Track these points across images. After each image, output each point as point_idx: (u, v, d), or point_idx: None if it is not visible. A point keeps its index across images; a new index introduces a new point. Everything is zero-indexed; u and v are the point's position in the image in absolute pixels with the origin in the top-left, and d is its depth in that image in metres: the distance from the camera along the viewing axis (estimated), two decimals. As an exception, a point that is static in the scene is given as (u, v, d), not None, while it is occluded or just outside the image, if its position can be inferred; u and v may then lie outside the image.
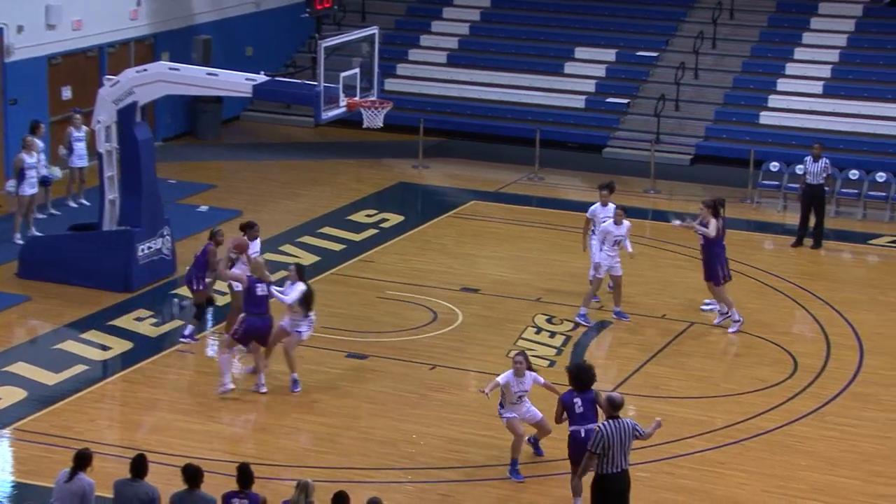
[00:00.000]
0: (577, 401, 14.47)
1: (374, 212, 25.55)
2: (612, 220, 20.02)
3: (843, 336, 19.92)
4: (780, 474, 15.65)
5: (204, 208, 25.33)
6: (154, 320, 20.01)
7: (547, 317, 20.33)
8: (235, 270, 18.14)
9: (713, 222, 19.63)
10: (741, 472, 15.43)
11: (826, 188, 24.39)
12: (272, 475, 15.08)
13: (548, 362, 18.74)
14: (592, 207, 20.72)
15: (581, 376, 14.65)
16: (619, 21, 32.83)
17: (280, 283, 18.38)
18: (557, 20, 33.17)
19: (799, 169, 25.29)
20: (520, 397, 15.45)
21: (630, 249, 20.33)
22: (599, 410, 14.26)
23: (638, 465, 15.42)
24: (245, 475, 12.32)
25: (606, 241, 19.97)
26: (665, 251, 23.74)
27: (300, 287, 17.43)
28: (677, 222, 21.55)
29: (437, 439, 16.39)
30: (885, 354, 19.28)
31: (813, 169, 24.02)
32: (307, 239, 23.75)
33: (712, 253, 19.85)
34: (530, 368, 15.52)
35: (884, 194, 26.31)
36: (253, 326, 17.33)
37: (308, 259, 22.65)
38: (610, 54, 31.92)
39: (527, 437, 15.76)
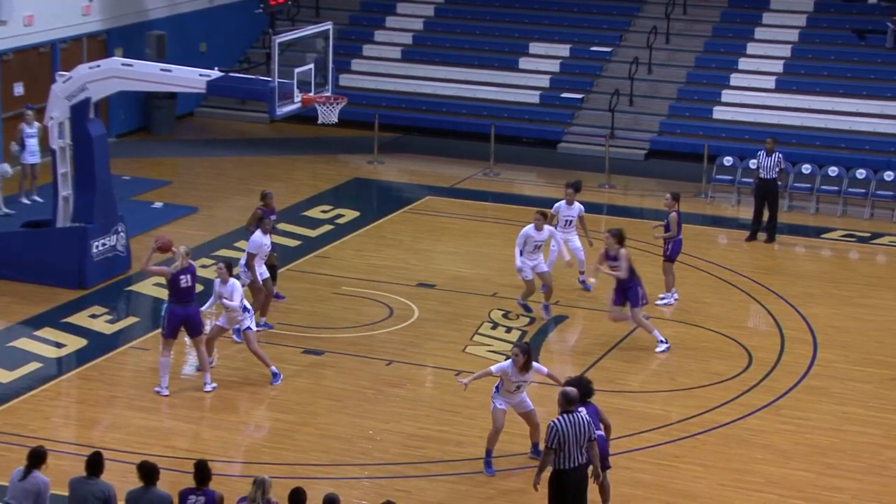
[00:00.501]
0: (582, 410, 14.13)
1: (330, 207, 25.50)
2: (533, 225, 19.84)
3: (797, 330, 20.07)
4: (735, 468, 15.75)
5: (158, 205, 25.20)
6: (109, 317, 19.90)
7: (503, 312, 20.37)
8: (159, 266, 17.93)
9: (623, 252, 19.05)
10: (697, 466, 15.52)
11: (779, 182, 24.56)
12: (229, 472, 15.04)
13: (504, 357, 18.75)
14: (557, 204, 21.08)
15: (579, 388, 14.24)
16: (573, 16, 32.92)
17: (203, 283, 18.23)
18: (511, 15, 33.22)
19: (752, 163, 25.46)
20: (518, 387, 15.39)
21: (567, 258, 20.70)
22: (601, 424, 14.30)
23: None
24: (202, 472, 12.27)
25: (527, 245, 19.79)
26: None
27: (237, 285, 17.33)
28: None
29: (394, 435, 16.39)
30: (839, 348, 19.44)
31: (766, 163, 24.18)
32: (263, 235, 23.64)
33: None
34: (528, 362, 15.17)
35: (836, 188, 26.52)
36: (175, 315, 17.15)
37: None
38: (564, 50, 32.00)
39: (529, 453, 15.68)
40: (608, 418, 14.62)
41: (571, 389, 13.63)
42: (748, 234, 24.29)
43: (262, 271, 19.00)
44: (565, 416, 13.39)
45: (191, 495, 12.24)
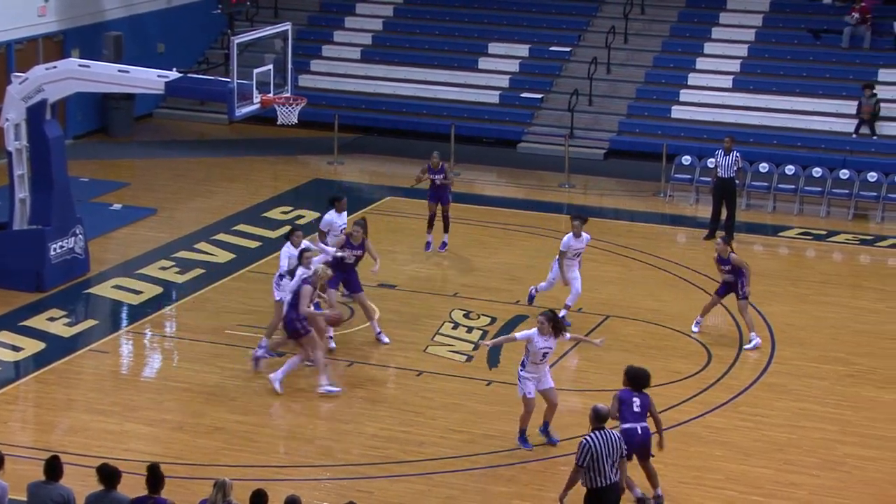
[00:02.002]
0: (636, 400, 14.48)
1: (290, 208, 25.47)
2: (572, 233, 19.55)
3: (755, 327, 20.18)
4: (695, 465, 15.85)
5: (117, 206, 25.10)
6: (67, 320, 19.80)
7: (464, 312, 20.40)
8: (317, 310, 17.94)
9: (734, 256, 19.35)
10: (657, 464, 15.55)
11: (737, 181, 24.72)
12: (190, 474, 14.99)
13: (465, 357, 18.83)
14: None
15: (639, 378, 14.64)
16: (532, 17, 33.01)
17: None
18: (471, 16, 33.28)
19: (710, 162, 25.60)
20: (544, 354, 15.72)
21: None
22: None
23: (556, 458, 15.58)
24: (154, 476, 12.17)
25: (567, 254, 19.52)
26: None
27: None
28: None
29: (355, 436, 16.39)
30: (797, 345, 19.59)
31: (724, 162, 24.33)
32: (222, 236, 23.61)
33: None
34: (555, 329, 15.65)
35: (793, 187, 26.72)
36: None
37: (223, 256, 22.54)
38: (523, 50, 32.08)
39: (539, 427, 15.80)
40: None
41: (602, 407, 13.45)
42: (706, 233, 24.43)
43: (332, 249, 19.42)
44: (597, 433, 13.21)
45: None
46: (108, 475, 12.15)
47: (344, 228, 19.81)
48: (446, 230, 22.96)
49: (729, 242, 19.81)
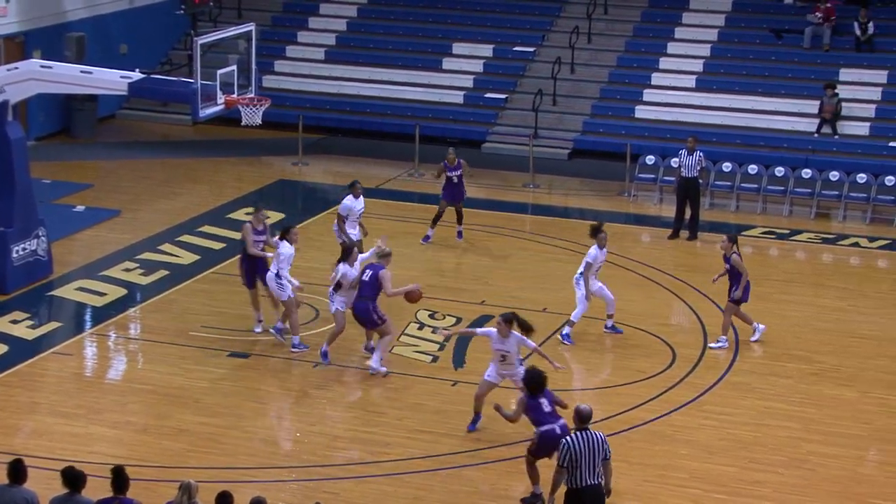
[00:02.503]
0: (543, 400, 14.53)
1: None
2: (597, 245, 19.36)
3: (719, 326, 20.26)
4: (659, 464, 15.91)
5: (80, 208, 24.98)
6: (30, 322, 19.69)
7: (430, 312, 20.41)
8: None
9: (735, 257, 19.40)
10: (622, 463, 15.62)
11: (700, 181, 24.84)
12: (155, 477, 14.93)
13: (430, 357, 18.84)
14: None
15: (535, 383, 14.61)
16: (495, 17, 33.06)
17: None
18: (434, 16, 33.30)
19: (674, 162, 25.72)
20: (502, 357, 16.10)
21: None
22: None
23: (520, 459, 15.57)
24: (119, 478, 12.13)
25: (592, 267, 19.32)
26: (545, 245, 23.97)
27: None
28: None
29: (321, 437, 16.38)
30: (760, 343, 19.68)
31: (688, 162, 24.44)
32: (187, 238, 23.54)
33: None
34: (525, 330, 16.11)
35: (756, 186, 26.86)
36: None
37: (188, 258, 22.47)
38: (487, 50, 32.12)
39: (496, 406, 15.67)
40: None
41: (585, 407, 13.37)
42: (671, 232, 24.53)
43: (355, 233, 20.55)
44: (579, 434, 13.18)
45: None
46: (73, 478, 12.10)
47: (362, 212, 20.91)
48: (460, 222, 23.63)
49: (735, 241, 19.56)
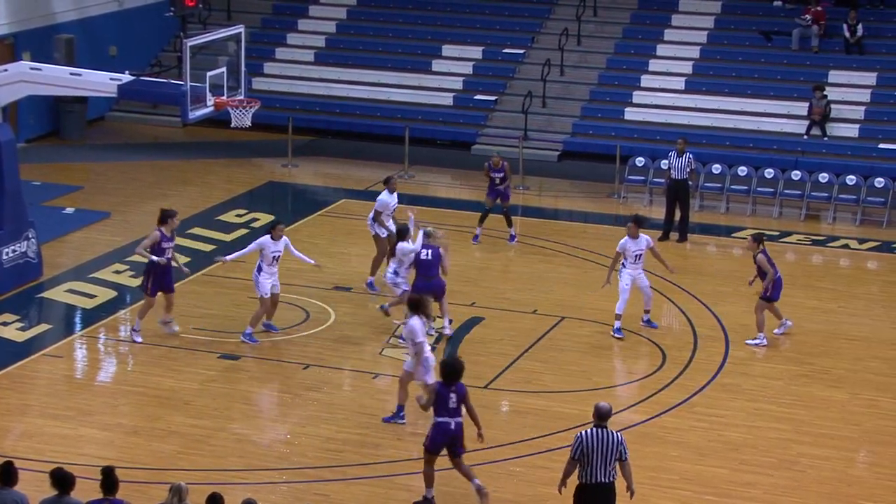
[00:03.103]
0: (452, 396, 14.48)
1: (245, 211, 25.38)
2: (628, 235, 19.73)
3: (709, 328, 20.34)
4: (650, 465, 15.90)
5: (70, 210, 24.94)
6: (20, 324, 19.65)
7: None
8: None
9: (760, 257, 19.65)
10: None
11: (690, 182, 24.88)
12: (145, 479, 14.91)
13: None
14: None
15: (452, 370, 14.56)
16: (485, 18, 33.08)
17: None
18: (424, 18, 33.30)
19: (663, 164, 25.75)
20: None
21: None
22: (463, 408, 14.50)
23: (513, 460, 15.61)
24: (108, 479, 12.11)
25: (626, 256, 19.68)
26: (535, 246, 23.99)
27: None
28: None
29: (311, 439, 16.37)
30: (753, 350, 19.68)
31: (677, 164, 24.47)
32: (177, 240, 23.39)
33: None
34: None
35: (745, 188, 26.90)
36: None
37: (179, 260, 22.39)
38: (477, 52, 32.14)
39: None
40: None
41: (604, 405, 13.23)
42: (661, 234, 24.54)
43: (390, 225, 20.96)
44: (594, 429, 13.05)
45: None
46: (62, 480, 12.07)
47: (396, 207, 21.27)
48: (510, 224, 23.90)
49: (759, 241, 19.65)
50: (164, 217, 19.09)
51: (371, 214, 21.32)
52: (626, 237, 19.74)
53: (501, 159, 23.98)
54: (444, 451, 14.62)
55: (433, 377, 15.85)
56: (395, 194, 21.49)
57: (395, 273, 19.59)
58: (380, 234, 21.24)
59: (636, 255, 19.77)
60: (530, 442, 16.23)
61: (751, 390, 18.16)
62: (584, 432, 13.11)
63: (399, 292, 19.50)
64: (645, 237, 19.91)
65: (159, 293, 18.96)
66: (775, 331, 19.87)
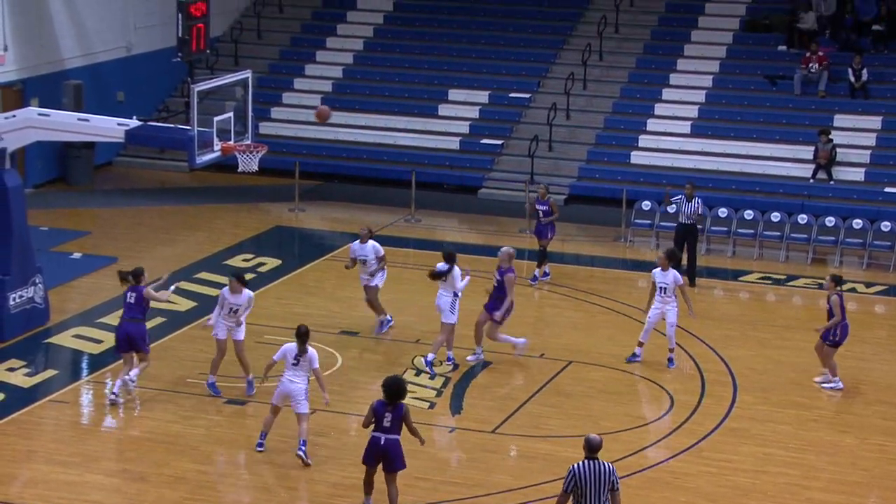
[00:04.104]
0: (388, 415, 15.03)
1: (252, 256, 25.41)
2: (659, 267, 20.23)
3: (717, 372, 20.29)
4: (659, 510, 15.85)
5: (77, 255, 24.98)
6: (27, 370, 19.63)
7: (426, 358, 20.35)
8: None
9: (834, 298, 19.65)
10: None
11: (699, 227, 24.88)
12: (152, 526, 14.86)
13: (428, 404, 18.78)
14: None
15: (394, 389, 15.07)
16: (491, 63, 33.21)
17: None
18: (430, 62, 33.45)
19: (671, 209, 25.76)
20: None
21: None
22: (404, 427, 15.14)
23: (520, 506, 15.54)
24: None
25: (654, 287, 20.22)
26: (541, 290, 23.97)
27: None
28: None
29: (319, 485, 16.31)
30: (758, 389, 19.66)
31: (686, 209, 24.44)
32: (184, 284, 23.45)
33: None
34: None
35: (752, 231, 26.90)
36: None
37: (185, 305, 22.44)
38: (483, 96, 32.26)
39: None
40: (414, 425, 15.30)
41: (595, 437, 13.27)
42: None
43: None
44: (586, 462, 13.09)
45: None
46: None
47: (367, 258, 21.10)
48: (540, 264, 24.07)
49: (837, 282, 19.64)
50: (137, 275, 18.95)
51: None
52: (658, 268, 20.16)
53: (548, 191, 24.01)
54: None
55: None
56: (366, 246, 21.13)
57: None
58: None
59: (661, 288, 20.11)
60: (539, 487, 16.15)
61: (759, 435, 18.08)
62: (576, 465, 13.08)
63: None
64: (674, 273, 20.15)
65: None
66: (816, 378, 19.74)
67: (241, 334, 18.68)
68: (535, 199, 24.15)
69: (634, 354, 20.36)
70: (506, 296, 19.88)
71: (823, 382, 19.74)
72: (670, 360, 20.33)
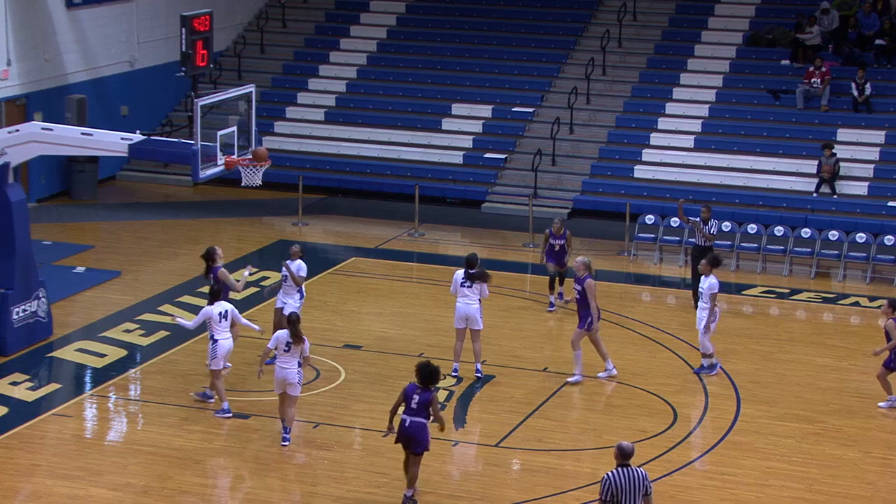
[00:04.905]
0: (416, 397, 15.63)
1: (255, 270, 25.40)
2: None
3: (720, 386, 20.27)
4: (663, 524, 15.83)
5: (81, 269, 25.00)
6: (30, 384, 19.64)
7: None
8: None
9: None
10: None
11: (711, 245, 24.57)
12: (155, 540, 14.85)
13: (431, 417, 18.74)
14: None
15: (426, 373, 15.77)
16: (494, 77, 33.25)
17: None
18: (434, 77, 33.50)
19: (675, 222, 25.68)
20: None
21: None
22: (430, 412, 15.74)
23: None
24: None
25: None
26: (544, 304, 23.95)
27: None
28: None
29: (322, 498, 16.30)
30: (761, 403, 19.65)
31: (703, 230, 24.04)
32: (187, 298, 23.54)
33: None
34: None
35: (755, 245, 26.89)
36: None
37: (188, 319, 22.40)
38: (486, 110, 32.30)
39: None
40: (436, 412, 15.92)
41: (628, 444, 13.32)
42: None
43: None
44: (620, 469, 13.15)
45: None
46: None
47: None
48: (561, 284, 23.80)
49: (894, 307, 19.55)
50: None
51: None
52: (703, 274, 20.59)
53: (563, 225, 23.82)
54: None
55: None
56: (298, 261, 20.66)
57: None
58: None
59: (700, 294, 20.54)
60: (542, 501, 16.14)
61: (762, 449, 18.06)
62: (610, 473, 13.10)
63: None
64: (712, 280, 20.32)
65: None
66: (880, 404, 19.66)
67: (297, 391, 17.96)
68: (550, 233, 23.69)
69: (703, 366, 20.67)
70: (588, 304, 19.82)
71: (885, 404, 19.67)
72: (703, 367, 20.60)
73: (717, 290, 20.44)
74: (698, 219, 24.12)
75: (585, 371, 20.35)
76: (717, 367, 20.63)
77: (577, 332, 20.00)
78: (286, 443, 17.49)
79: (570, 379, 19.97)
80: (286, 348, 17.32)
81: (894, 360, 19.37)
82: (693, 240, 24.38)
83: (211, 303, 18.63)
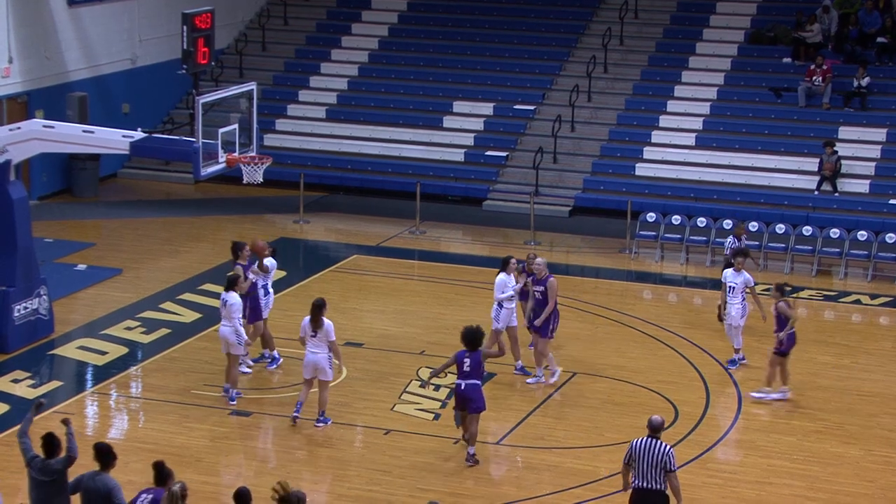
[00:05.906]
0: (467, 360, 16.84)
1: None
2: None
3: (721, 384, 20.27)
4: (664, 522, 15.80)
5: (82, 267, 25.00)
6: (31, 382, 19.64)
7: (431, 369, 20.32)
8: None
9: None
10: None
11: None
12: (156, 537, 14.81)
13: (433, 415, 18.78)
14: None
15: (471, 337, 16.94)
16: (496, 75, 33.24)
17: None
18: (435, 75, 33.48)
19: (727, 249, 24.94)
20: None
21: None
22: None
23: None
24: (160, 472, 13.24)
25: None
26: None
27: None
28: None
29: (323, 496, 16.30)
30: (763, 401, 19.62)
31: (733, 244, 23.73)
32: (188, 296, 23.54)
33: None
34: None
35: (756, 243, 26.87)
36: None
37: (189, 316, 22.46)
38: (488, 108, 32.29)
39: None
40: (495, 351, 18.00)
41: (657, 418, 14.20)
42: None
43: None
44: (645, 439, 13.98)
45: (143, 493, 13.16)
46: (104, 454, 13.43)
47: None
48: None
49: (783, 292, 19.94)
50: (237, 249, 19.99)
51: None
52: (732, 269, 20.83)
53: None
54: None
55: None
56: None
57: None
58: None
59: (731, 287, 20.87)
60: (544, 498, 16.14)
61: (764, 446, 18.06)
62: (635, 440, 14.02)
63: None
64: (745, 275, 20.72)
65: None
66: (752, 393, 19.73)
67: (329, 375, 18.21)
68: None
69: (733, 361, 20.96)
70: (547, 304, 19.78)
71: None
72: (736, 360, 20.94)
73: (752, 284, 20.90)
74: (731, 237, 23.80)
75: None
76: (742, 360, 20.95)
77: (541, 343, 19.85)
78: (321, 424, 18.08)
79: (551, 379, 19.91)
80: (312, 333, 17.82)
81: (786, 344, 19.51)
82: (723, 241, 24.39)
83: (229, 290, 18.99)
